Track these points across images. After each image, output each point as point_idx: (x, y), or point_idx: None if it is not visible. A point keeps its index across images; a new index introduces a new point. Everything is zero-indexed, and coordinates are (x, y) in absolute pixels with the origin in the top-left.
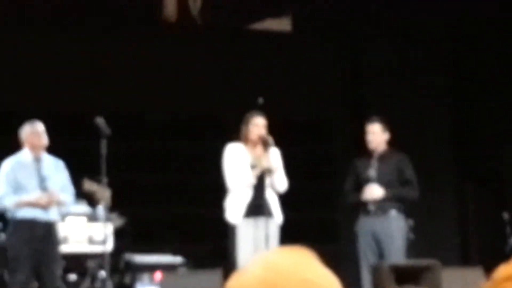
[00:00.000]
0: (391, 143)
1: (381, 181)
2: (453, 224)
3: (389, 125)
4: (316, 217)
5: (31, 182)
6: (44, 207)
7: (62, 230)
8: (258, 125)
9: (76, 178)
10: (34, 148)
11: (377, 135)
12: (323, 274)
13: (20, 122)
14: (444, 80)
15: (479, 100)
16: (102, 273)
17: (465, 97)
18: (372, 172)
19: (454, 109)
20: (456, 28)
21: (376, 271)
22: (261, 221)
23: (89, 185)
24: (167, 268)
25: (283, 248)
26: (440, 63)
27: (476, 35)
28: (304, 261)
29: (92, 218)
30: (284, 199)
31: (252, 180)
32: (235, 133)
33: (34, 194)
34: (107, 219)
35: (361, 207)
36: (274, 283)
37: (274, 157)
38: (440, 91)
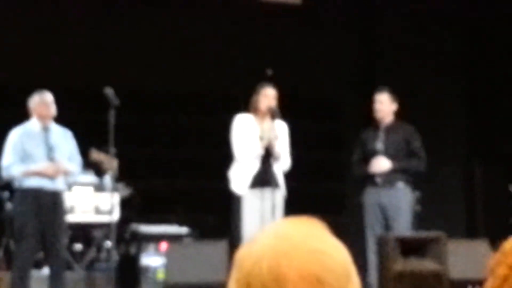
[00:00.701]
0: (402, 118)
1: (388, 153)
2: (459, 197)
3: (400, 99)
4: (323, 188)
5: (39, 152)
6: (51, 177)
7: (68, 199)
8: (268, 95)
9: (84, 149)
10: (42, 118)
11: (385, 104)
12: (334, 244)
13: (30, 93)
14: (458, 57)
15: (494, 79)
16: (108, 243)
17: (479, 77)
18: (379, 144)
19: (468, 86)
20: (471, 3)
21: (382, 243)
22: (267, 191)
23: (96, 155)
24: (172, 239)
25: (293, 218)
26: (453, 39)
27: (492, 12)
28: (315, 231)
29: (99, 188)
30: (291, 170)
31: (260, 150)
32: (243, 106)
33: (41, 164)
34: (114, 189)
35: (368, 179)
36: (284, 252)
37: (280, 130)
38: (453, 68)
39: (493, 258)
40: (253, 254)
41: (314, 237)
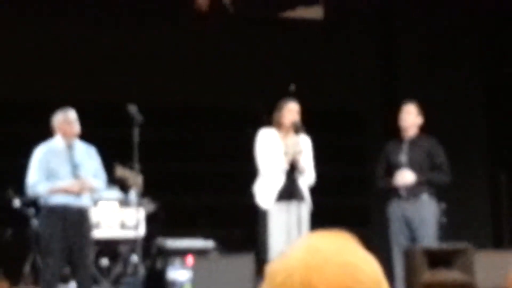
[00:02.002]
0: (425, 129)
1: (412, 166)
2: (485, 208)
3: (423, 112)
4: (348, 202)
5: (64, 169)
6: (77, 193)
7: (94, 215)
8: (291, 110)
9: (109, 165)
10: (66, 136)
11: (411, 116)
12: (365, 257)
13: (54, 109)
14: (479, 67)
15: None
16: (134, 258)
17: (501, 84)
18: (403, 157)
19: (490, 96)
20: (490, 15)
21: (408, 255)
22: (293, 205)
23: (121, 171)
24: (198, 253)
25: (324, 232)
26: (475, 51)
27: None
28: (346, 245)
29: (124, 203)
30: (315, 184)
31: (284, 165)
32: (266, 121)
33: (66, 181)
34: (139, 204)
35: (393, 191)
36: (316, 265)
37: (304, 144)
38: (475, 79)
39: None
40: (285, 267)
41: (345, 251)
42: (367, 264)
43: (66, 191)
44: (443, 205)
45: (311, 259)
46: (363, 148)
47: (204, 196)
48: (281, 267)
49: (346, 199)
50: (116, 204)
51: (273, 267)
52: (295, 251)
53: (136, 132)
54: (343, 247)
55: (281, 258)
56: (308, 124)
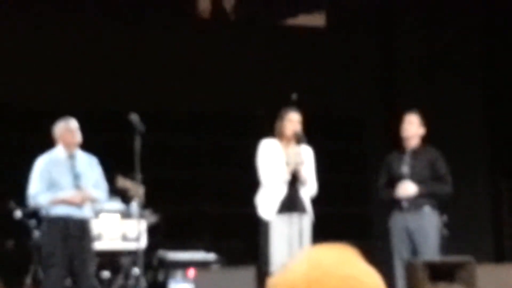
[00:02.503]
0: (426, 139)
1: (414, 177)
2: (487, 221)
3: (425, 121)
4: (349, 213)
5: (65, 179)
6: (78, 205)
7: (96, 227)
8: (293, 120)
9: (110, 175)
10: (68, 145)
11: (413, 126)
12: (366, 271)
13: (55, 119)
14: (481, 76)
15: None
16: (136, 270)
17: (502, 94)
18: (405, 168)
19: (491, 106)
20: (489, 19)
21: (410, 268)
22: (295, 217)
23: (122, 182)
24: (200, 265)
25: (325, 245)
26: (475, 59)
27: (510, 26)
28: (347, 258)
29: (126, 215)
30: (317, 194)
31: (286, 176)
32: (268, 129)
33: (68, 191)
34: (141, 216)
35: (394, 203)
36: (318, 279)
37: (306, 155)
38: (476, 87)
39: None
40: (286, 281)
41: (346, 264)
42: (368, 277)
43: (68, 202)
44: (445, 217)
45: (313, 272)
46: (364, 156)
47: (206, 206)
48: (283, 281)
49: (347, 209)
50: (118, 216)
51: (275, 281)
52: (297, 264)
53: (137, 142)
54: (344, 261)
55: (283, 272)
56: (308, 131)
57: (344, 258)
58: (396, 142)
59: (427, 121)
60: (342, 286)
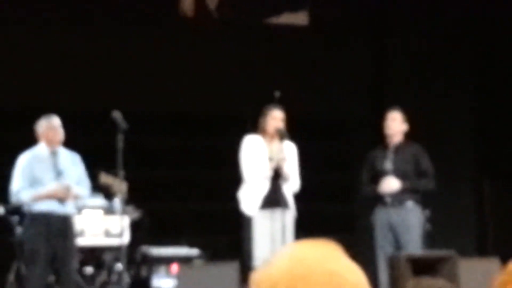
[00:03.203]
0: (411, 137)
1: (397, 173)
2: (470, 215)
3: (410, 120)
4: (332, 208)
5: (48, 176)
6: (61, 199)
7: (78, 223)
8: (275, 117)
9: (93, 172)
10: (50, 143)
11: (396, 123)
12: (349, 267)
13: (37, 117)
14: (467, 76)
15: (502, 96)
16: (119, 266)
17: (488, 94)
18: (388, 164)
19: (475, 104)
20: (479, 23)
21: (393, 262)
22: (277, 213)
23: (105, 178)
24: (183, 261)
25: (308, 241)
26: (463, 60)
27: (500, 31)
28: (330, 254)
29: (109, 211)
30: (300, 191)
31: (269, 172)
32: (251, 127)
33: (50, 185)
34: (124, 212)
35: (378, 199)
36: (300, 275)
37: (289, 151)
38: (462, 87)
39: (499, 278)
40: (269, 277)
41: (329, 260)
42: (352, 272)
43: (51, 197)
44: (428, 212)
45: (296, 268)
46: (348, 154)
47: (189, 203)
48: (266, 277)
49: (331, 205)
50: (101, 212)
51: (258, 277)
52: (280, 260)
53: (120, 139)
54: (327, 256)
55: (266, 267)
56: (293, 131)
57: (327, 254)
58: (381, 140)
59: (412, 119)
60: (325, 282)
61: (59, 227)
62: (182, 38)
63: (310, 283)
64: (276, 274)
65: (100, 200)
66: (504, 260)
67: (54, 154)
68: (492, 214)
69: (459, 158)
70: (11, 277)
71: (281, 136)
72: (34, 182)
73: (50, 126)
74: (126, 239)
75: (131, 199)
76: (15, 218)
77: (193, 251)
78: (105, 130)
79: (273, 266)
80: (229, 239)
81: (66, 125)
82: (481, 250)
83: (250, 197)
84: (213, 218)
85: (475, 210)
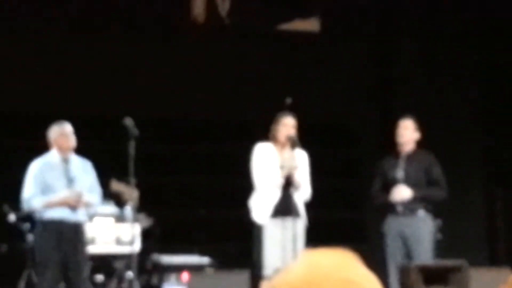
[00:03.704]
0: (421, 144)
1: (409, 181)
2: (481, 224)
3: (420, 126)
4: (343, 217)
5: (59, 183)
6: (73, 206)
7: (89, 230)
8: (287, 125)
9: (104, 179)
10: (62, 149)
11: (409, 131)
12: (365, 275)
13: (49, 123)
14: (475, 83)
15: (510, 102)
16: (130, 274)
17: (496, 101)
18: (399, 172)
19: (485, 111)
20: (487, 29)
21: (404, 272)
22: (288, 221)
23: (116, 185)
24: (194, 269)
25: (324, 249)
26: (471, 67)
27: (507, 36)
28: (346, 262)
29: (120, 218)
30: (311, 199)
31: (280, 180)
32: (262, 135)
33: (62, 192)
34: (135, 220)
35: (389, 207)
36: (316, 283)
37: (300, 159)
38: (471, 94)
39: None
40: (285, 284)
41: (346, 267)
42: (368, 281)
43: (62, 204)
44: (439, 222)
45: (312, 275)
46: (358, 161)
47: (200, 210)
48: (282, 283)
49: (341, 214)
50: (112, 219)
51: (273, 283)
52: (296, 267)
53: (132, 146)
54: (344, 264)
55: (282, 274)
56: (303, 137)
57: (343, 262)
58: (390, 147)
59: (423, 127)
60: None
61: (70, 235)
62: (193, 45)
63: None
64: (292, 281)
65: (111, 208)
66: None
67: (65, 161)
68: (503, 224)
69: (470, 167)
70: (22, 284)
71: (293, 144)
72: (45, 189)
73: (62, 132)
74: (137, 247)
75: (142, 207)
76: (26, 226)
77: (204, 260)
78: (116, 137)
79: (290, 274)
80: (240, 248)
81: (77, 131)
82: (492, 260)
83: (261, 205)
84: (223, 226)
85: (486, 220)
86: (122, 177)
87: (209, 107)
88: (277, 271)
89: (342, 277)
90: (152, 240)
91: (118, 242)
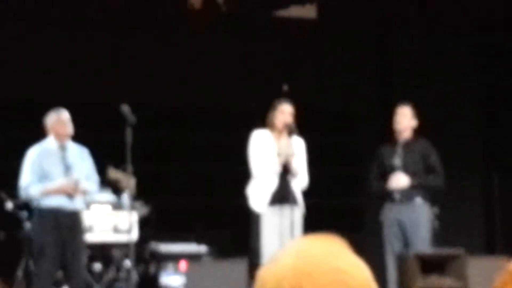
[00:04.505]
0: (419, 132)
1: (406, 169)
2: (478, 213)
3: (418, 115)
4: (341, 204)
5: (56, 170)
6: (70, 193)
7: (87, 218)
8: (284, 112)
9: (101, 167)
10: (59, 137)
11: (406, 118)
12: (355, 263)
13: (46, 111)
14: (474, 70)
15: (509, 91)
16: (127, 262)
17: (495, 88)
18: (397, 160)
19: (483, 99)
20: (484, 19)
21: (401, 260)
22: (286, 209)
23: (113, 173)
24: (192, 257)
25: (314, 237)
26: (469, 54)
27: (505, 27)
28: (336, 250)
29: (117, 206)
30: (309, 186)
31: (277, 167)
32: (259, 122)
33: (59, 180)
34: (132, 208)
35: (386, 195)
36: (305, 271)
37: (297, 146)
38: (469, 82)
39: (499, 278)
40: (274, 273)
41: (335, 256)
42: (357, 269)
43: (59, 191)
44: (436, 210)
45: (301, 264)
46: (357, 149)
47: (197, 198)
48: (271, 273)
49: (339, 201)
50: (109, 207)
51: (263, 273)
52: (285, 256)
53: (129, 133)
54: (333, 253)
55: (271, 264)
56: (301, 124)
57: (333, 250)
58: (389, 135)
59: (421, 114)
60: (330, 279)
61: (68, 223)
62: (190, 32)
63: (315, 279)
64: (281, 270)
65: (108, 196)
66: None
67: (63, 148)
68: (501, 212)
69: (468, 155)
70: (19, 272)
71: (290, 131)
72: (43, 176)
73: (59, 119)
74: (134, 235)
75: (140, 195)
76: (23, 214)
77: (202, 248)
78: (113, 124)
79: (278, 262)
80: (237, 236)
81: (74, 119)
82: (490, 248)
83: (258, 193)
84: (221, 214)
85: (483, 208)
86: (119, 165)
87: (206, 94)
88: (271, 258)
89: (331, 266)
90: (150, 228)
91: (116, 230)
